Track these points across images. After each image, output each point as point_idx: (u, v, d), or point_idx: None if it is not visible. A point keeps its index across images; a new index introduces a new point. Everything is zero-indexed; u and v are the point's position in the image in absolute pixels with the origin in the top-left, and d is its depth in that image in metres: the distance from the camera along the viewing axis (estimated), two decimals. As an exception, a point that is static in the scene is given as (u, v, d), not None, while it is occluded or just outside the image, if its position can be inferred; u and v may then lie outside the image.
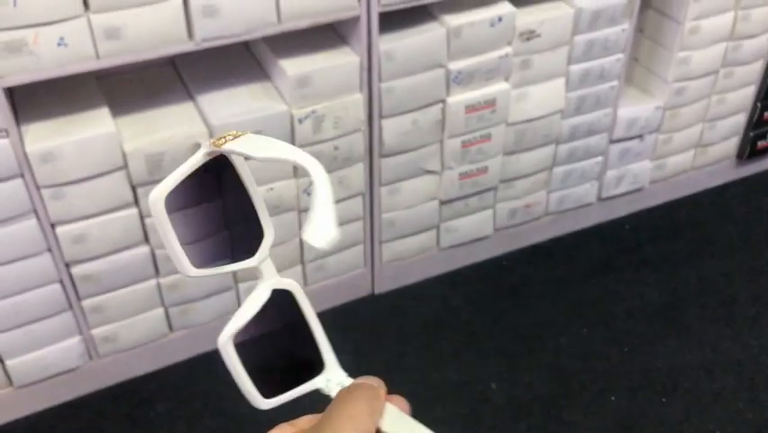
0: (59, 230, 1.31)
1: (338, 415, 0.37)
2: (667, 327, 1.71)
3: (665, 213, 2.02)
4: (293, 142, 1.42)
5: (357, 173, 1.54)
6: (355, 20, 1.35)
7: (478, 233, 1.81)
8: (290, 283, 0.44)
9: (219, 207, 0.43)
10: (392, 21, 1.40)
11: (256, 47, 1.47)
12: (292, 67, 1.36)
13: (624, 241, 1.94)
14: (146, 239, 1.40)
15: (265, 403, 0.42)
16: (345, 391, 0.39)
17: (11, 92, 1.24)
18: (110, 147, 1.27)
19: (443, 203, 1.70)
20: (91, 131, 1.26)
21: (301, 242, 1.58)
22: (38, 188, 1.25)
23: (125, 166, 1.30)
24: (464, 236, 1.80)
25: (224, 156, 0.40)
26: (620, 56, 1.65)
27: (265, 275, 0.43)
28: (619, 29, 1.61)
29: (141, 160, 1.29)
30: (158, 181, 0.38)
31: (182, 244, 0.40)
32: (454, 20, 1.43)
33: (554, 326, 1.71)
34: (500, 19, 1.45)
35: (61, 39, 1.14)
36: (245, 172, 0.42)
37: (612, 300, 1.77)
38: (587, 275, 1.84)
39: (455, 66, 1.48)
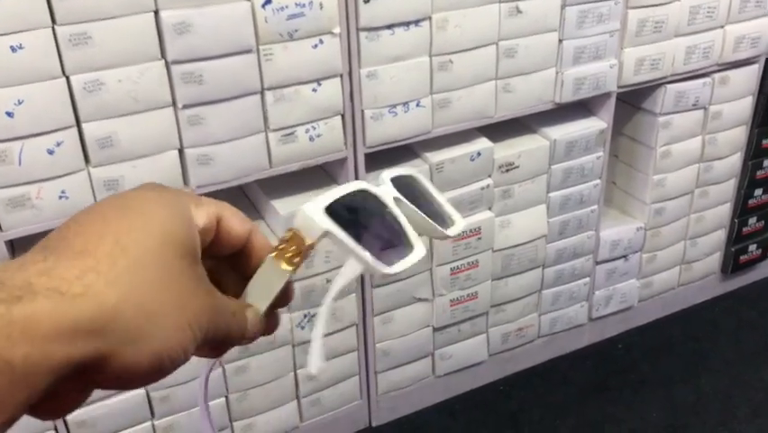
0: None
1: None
2: (669, 449, 1.68)
3: (657, 330, 2.04)
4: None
5: (350, 304, 1.57)
6: (343, 160, 1.43)
7: (472, 359, 1.81)
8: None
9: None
10: (378, 159, 1.48)
11: (248, 188, 1.54)
12: (283, 206, 1.42)
13: (618, 361, 1.95)
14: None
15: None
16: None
17: (11, 243, 1.28)
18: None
19: (436, 330, 1.72)
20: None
21: (296, 377, 1.59)
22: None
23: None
24: (459, 363, 1.80)
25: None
26: (597, 182, 1.73)
27: None
28: (594, 156, 1.69)
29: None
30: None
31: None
32: (436, 156, 1.51)
33: (555, 452, 1.69)
34: (479, 154, 1.53)
35: (63, 192, 1.20)
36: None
37: (612, 422, 1.76)
38: (584, 397, 1.83)
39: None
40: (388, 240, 0.45)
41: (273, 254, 0.41)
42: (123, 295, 0.30)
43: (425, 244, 0.46)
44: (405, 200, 0.47)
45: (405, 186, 0.49)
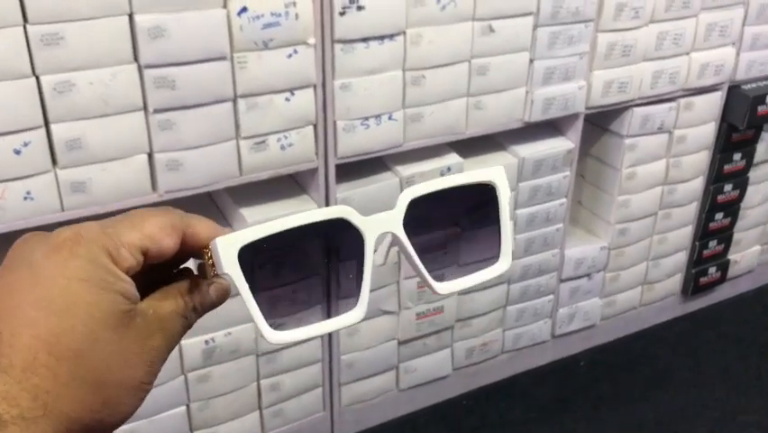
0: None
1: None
2: (627, 466, 1.71)
3: (618, 349, 2.07)
4: (252, 286, 1.45)
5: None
6: (313, 171, 1.43)
7: (437, 373, 1.82)
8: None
9: None
10: (348, 171, 1.48)
11: (217, 195, 1.53)
12: (251, 214, 1.42)
13: (580, 378, 1.97)
14: None
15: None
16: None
17: (-27, 243, 1.26)
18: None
19: (401, 343, 1.72)
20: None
21: (259, 388, 1.58)
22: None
23: (84, 314, 1.30)
24: (423, 377, 1.81)
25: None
26: (563, 200, 1.76)
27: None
28: (561, 176, 1.72)
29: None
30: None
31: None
32: (406, 170, 1.52)
33: (516, 467, 1.70)
34: (449, 168, 1.55)
35: (28, 193, 1.18)
36: None
37: (572, 439, 1.78)
38: (546, 414, 1.85)
39: (409, 212, 1.55)
40: (338, 289, 0.39)
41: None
42: (73, 400, 0.33)
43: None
44: (403, 238, 0.39)
45: (441, 203, 0.40)
